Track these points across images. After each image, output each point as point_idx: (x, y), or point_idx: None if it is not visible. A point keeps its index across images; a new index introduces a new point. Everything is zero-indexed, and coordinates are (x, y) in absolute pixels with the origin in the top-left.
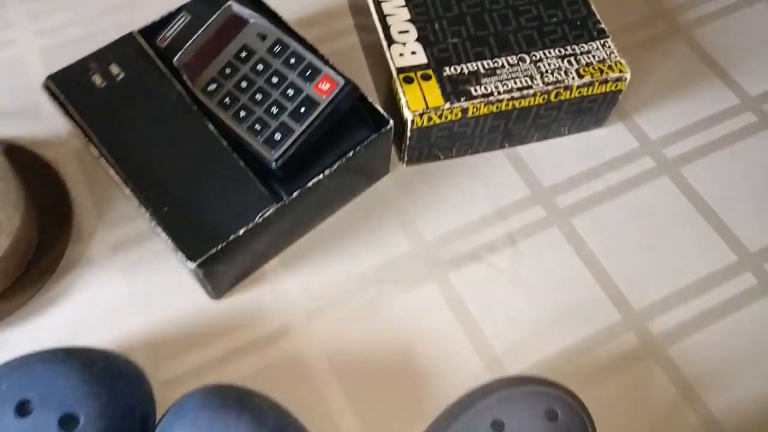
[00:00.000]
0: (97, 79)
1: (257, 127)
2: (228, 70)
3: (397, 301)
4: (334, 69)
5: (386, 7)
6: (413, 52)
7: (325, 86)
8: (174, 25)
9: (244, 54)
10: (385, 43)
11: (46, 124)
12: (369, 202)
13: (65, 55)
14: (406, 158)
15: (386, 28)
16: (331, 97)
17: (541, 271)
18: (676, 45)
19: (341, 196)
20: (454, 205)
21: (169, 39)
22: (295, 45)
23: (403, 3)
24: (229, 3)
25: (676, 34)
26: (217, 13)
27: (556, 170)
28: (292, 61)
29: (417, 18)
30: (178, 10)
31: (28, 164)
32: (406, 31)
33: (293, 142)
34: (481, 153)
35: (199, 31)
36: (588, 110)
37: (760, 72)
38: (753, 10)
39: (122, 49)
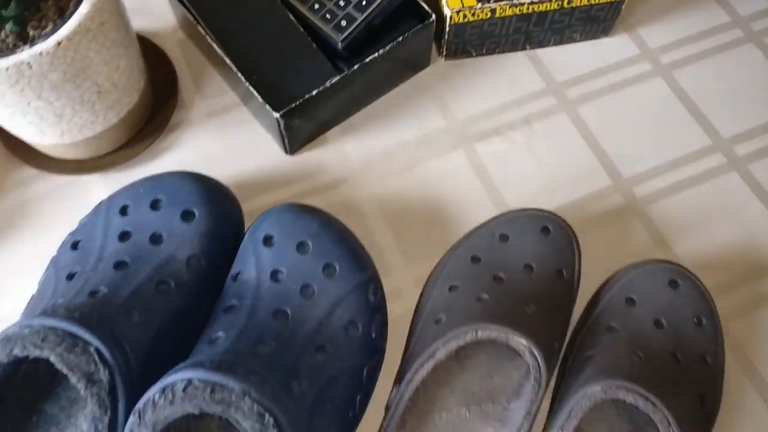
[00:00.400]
0: None
1: (328, 16)
2: None
3: (432, 163)
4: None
5: None
6: None
7: None
8: None
9: None
10: None
11: (157, 19)
12: (412, 87)
13: None
14: (444, 52)
15: None
16: None
17: (550, 145)
18: None
19: (390, 79)
20: (482, 92)
21: None
22: None
23: None
24: None
25: None
26: None
27: (568, 69)
28: None
29: None
30: None
31: (145, 48)
32: None
33: (356, 27)
34: (507, 53)
35: None
36: (596, 18)
37: None
38: None
39: None
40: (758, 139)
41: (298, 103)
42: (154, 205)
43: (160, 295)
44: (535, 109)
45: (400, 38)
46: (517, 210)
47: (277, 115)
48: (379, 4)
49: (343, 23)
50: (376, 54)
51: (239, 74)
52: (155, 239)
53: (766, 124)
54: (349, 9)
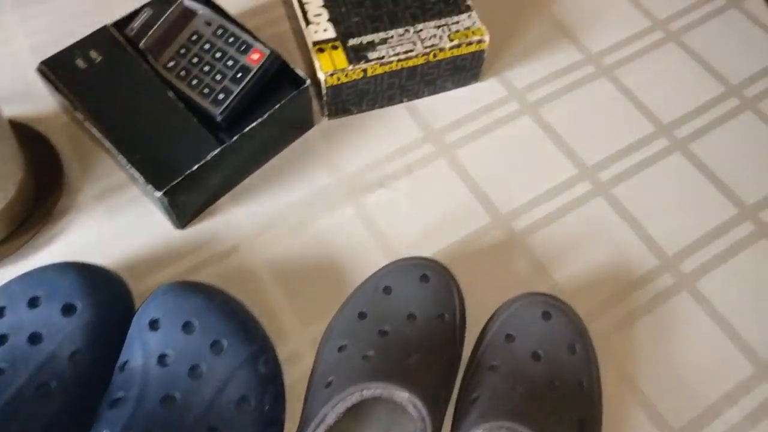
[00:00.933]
0: (81, 63)
1: (206, 91)
2: (183, 50)
3: (322, 220)
4: (262, 43)
5: None
6: (325, 30)
7: (255, 56)
8: (139, 18)
9: (194, 37)
10: (303, 24)
11: (38, 104)
12: (299, 148)
13: (52, 49)
14: (326, 112)
15: (304, 13)
16: (260, 65)
17: (431, 190)
18: (534, 12)
19: (275, 143)
20: (366, 147)
21: (135, 29)
22: (233, 28)
23: None
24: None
25: (534, 4)
26: (172, 8)
27: (444, 116)
28: (231, 40)
29: (328, 3)
30: (142, 7)
31: (26, 136)
32: (320, 14)
33: (233, 100)
34: (386, 107)
35: (159, 22)
36: (462, 67)
37: (601, 33)
38: None
39: (99, 38)
40: (618, 164)
41: (180, 179)
42: (33, 302)
43: (41, 399)
44: (416, 157)
45: (277, 105)
46: (398, 260)
47: (159, 193)
48: (252, 76)
49: (221, 96)
50: (255, 123)
51: (120, 156)
52: (34, 339)
53: (623, 149)
54: (226, 82)
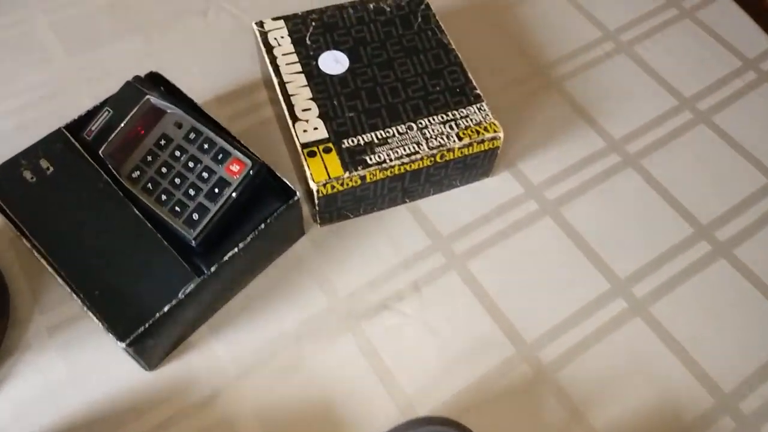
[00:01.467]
0: (28, 175)
1: (177, 208)
2: (149, 158)
3: (317, 355)
4: (243, 151)
5: (290, 88)
6: (315, 128)
7: (235, 167)
8: (98, 119)
9: (163, 142)
10: (290, 122)
11: None
12: (288, 263)
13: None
14: (318, 220)
15: (291, 107)
16: (241, 178)
17: (443, 313)
18: (551, 97)
19: (260, 261)
20: (365, 258)
21: (94, 132)
22: (207, 131)
23: (305, 83)
24: (147, 96)
25: (550, 87)
26: (137, 107)
27: (453, 219)
28: (206, 146)
29: (318, 96)
30: (102, 105)
31: None
32: (309, 109)
33: (210, 220)
34: (386, 209)
35: (122, 124)
36: (473, 165)
37: (621, 117)
38: (613, 62)
39: (51, 144)
40: (654, 276)
41: (146, 326)
42: None
43: None
44: (423, 271)
45: (262, 225)
46: (415, 424)
47: (123, 344)
48: (232, 191)
49: (195, 216)
50: (236, 249)
51: (75, 295)
52: None
53: (658, 258)
54: (201, 198)
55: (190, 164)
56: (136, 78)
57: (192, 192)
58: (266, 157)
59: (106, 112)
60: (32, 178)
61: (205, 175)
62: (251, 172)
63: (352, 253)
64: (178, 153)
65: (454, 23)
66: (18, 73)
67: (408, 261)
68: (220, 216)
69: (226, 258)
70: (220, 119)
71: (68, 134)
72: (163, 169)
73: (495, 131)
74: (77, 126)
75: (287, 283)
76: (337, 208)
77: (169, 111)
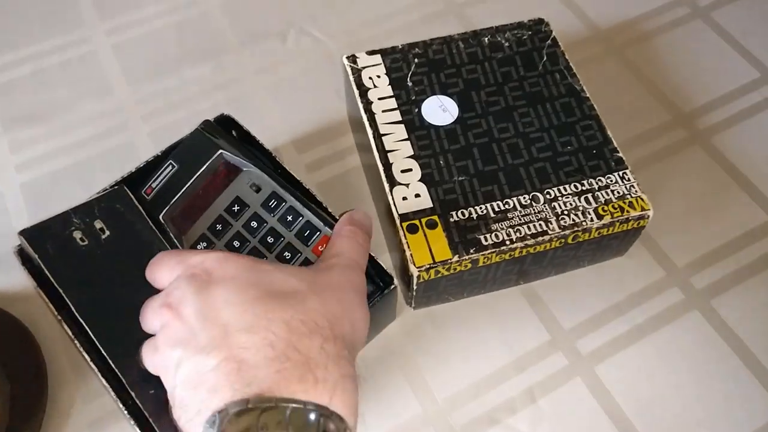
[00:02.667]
0: (78, 235)
1: None
2: (219, 226)
3: None
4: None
5: (387, 142)
6: (417, 195)
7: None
8: (161, 173)
9: (236, 208)
10: (387, 186)
11: (20, 272)
12: (375, 353)
13: (44, 207)
14: (413, 304)
15: (388, 167)
16: None
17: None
18: (696, 154)
19: None
20: (467, 354)
21: (155, 189)
22: (291, 199)
23: (405, 135)
24: (220, 151)
25: (695, 142)
26: (207, 163)
27: (577, 308)
28: (289, 218)
29: (420, 153)
30: (165, 155)
31: (4, 331)
32: (410, 170)
33: None
34: (495, 291)
35: (189, 182)
36: (608, 246)
37: None
38: None
39: (111, 202)
40: None
41: None
42: None
43: None
44: (539, 374)
45: None
46: None
47: None
48: None
49: None
50: None
51: (117, 400)
52: None
53: None
54: None
55: (269, 239)
56: (206, 123)
57: None
58: None
59: (170, 166)
60: (83, 240)
61: (287, 254)
62: None
63: (451, 344)
64: (254, 223)
65: (573, 59)
66: (74, 103)
67: (522, 361)
68: None
69: None
70: (297, 168)
71: (130, 192)
72: (236, 243)
73: (644, 209)
74: (138, 179)
75: (373, 382)
76: (438, 292)
77: (245, 169)
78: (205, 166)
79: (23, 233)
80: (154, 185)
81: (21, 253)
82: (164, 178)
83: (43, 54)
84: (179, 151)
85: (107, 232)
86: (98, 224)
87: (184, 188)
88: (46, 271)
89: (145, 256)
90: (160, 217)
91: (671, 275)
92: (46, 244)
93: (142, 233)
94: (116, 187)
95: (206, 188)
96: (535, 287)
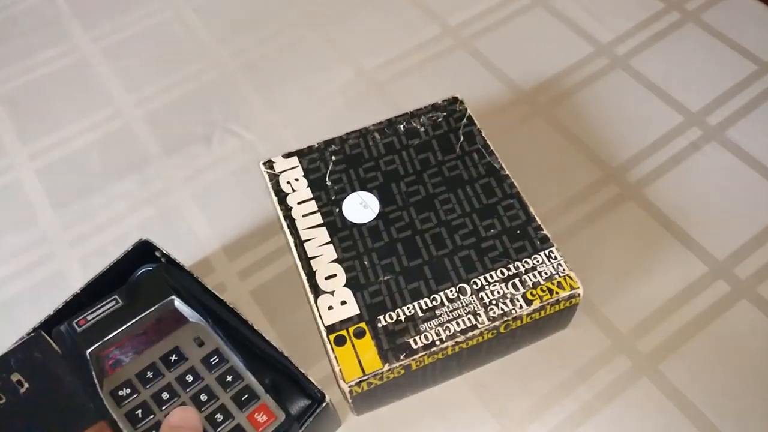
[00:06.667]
0: None
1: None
2: (149, 374)
3: None
4: (273, 397)
5: (309, 248)
6: (343, 302)
7: (261, 418)
8: (100, 307)
9: (173, 358)
10: (311, 296)
11: None
12: None
13: None
14: (355, 412)
15: (311, 275)
16: None
17: None
18: (630, 210)
19: None
20: None
21: (89, 322)
22: (235, 360)
23: (328, 239)
24: (172, 297)
25: (629, 197)
26: (155, 306)
27: (524, 391)
28: (229, 378)
29: (344, 256)
30: (110, 294)
31: None
32: (334, 275)
33: None
34: (438, 385)
35: (129, 322)
36: (545, 326)
37: (724, 229)
38: (702, 155)
39: (28, 352)
40: None
41: None
42: None
43: None
44: None
45: None
46: None
47: None
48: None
49: None
50: None
51: None
52: None
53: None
54: None
55: (202, 397)
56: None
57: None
58: (287, 326)
59: (114, 302)
60: (0, 397)
61: (218, 417)
62: (281, 429)
63: None
64: (189, 377)
65: (499, 123)
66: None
67: None
68: None
69: None
70: (229, 277)
71: (48, 338)
72: (164, 395)
73: (572, 287)
74: (59, 317)
75: None
76: (377, 399)
77: (191, 320)
78: (151, 309)
79: None
80: (89, 318)
81: None
82: (103, 312)
83: None
84: (127, 288)
85: (25, 385)
86: (15, 377)
87: (122, 327)
88: None
89: (67, 406)
90: (87, 353)
91: (617, 343)
92: None
93: (64, 381)
94: (33, 334)
95: (146, 332)
96: (479, 374)
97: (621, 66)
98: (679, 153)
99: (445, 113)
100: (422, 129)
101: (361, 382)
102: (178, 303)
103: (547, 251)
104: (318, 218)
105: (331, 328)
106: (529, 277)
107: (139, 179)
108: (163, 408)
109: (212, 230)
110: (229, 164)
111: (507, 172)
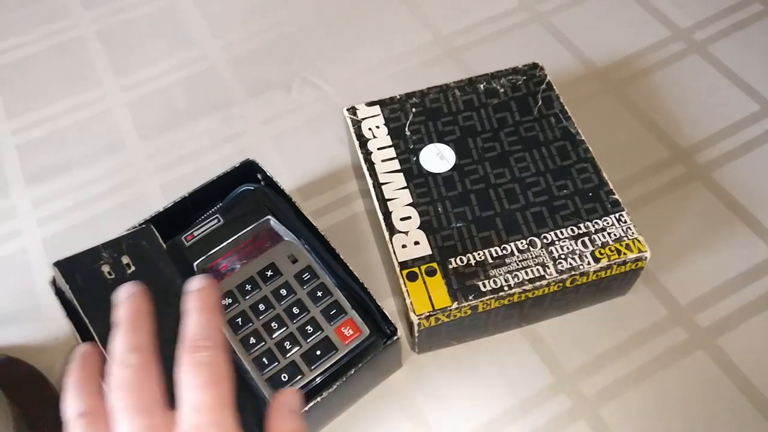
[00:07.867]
0: (106, 269)
1: (264, 360)
2: (248, 286)
3: None
4: (370, 307)
5: (387, 191)
6: (416, 242)
7: (348, 331)
8: (204, 224)
9: (269, 273)
10: (387, 234)
11: (44, 325)
12: (379, 399)
13: (68, 245)
14: (417, 349)
15: (388, 215)
16: (352, 346)
17: None
18: (696, 190)
19: (345, 401)
20: (471, 397)
21: (196, 238)
22: (325, 277)
23: (404, 184)
24: (268, 217)
25: (695, 178)
26: (252, 225)
27: (580, 349)
28: (319, 293)
29: (419, 201)
30: (212, 213)
31: (21, 378)
32: (409, 218)
33: (300, 389)
34: (498, 334)
35: (230, 239)
36: (608, 287)
37: None
38: None
39: (137, 240)
40: None
41: None
42: None
43: None
44: (544, 417)
45: (353, 370)
46: None
47: None
48: (338, 362)
49: (284, 377)
50: (318, 399)
51: None
52: None
53: None
54: (296, 356)
55: (294, 310)
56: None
57: (287, 344)
58: (356, 265)
59: (216, 220)
60: (110, 273)
61: (309, 328)
62: (366, 342)
63: (455, 388)
64: (283, 291)
65: (570, 97)
66: (90, 159)
67: (525, 404)
68: (314, 386)
69: (306, 408)
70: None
71: (156, 233)
72: (261, 306)
73: (640, 250)
74: (163, 223)
75: (377, 427)
76: (440, 337)
77: (286, 239)
78: (249, 228)
79: (57, 264)
80: (195, 233)
81: (54, 283)
82: (207, 229)
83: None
84: (227, 207)
85: (133, 268)
86: (125, 259)
87: (224, 243)
88: (75, 302)
89: (166, 293)
90: (195, 264)
91: (674, 314)
92: (76, 275)
93: (165, 271)
94: (144, 225)
95: (245, 248)
96: (537, 329)
97: (698, 51)
98: (753, 140)
99: (525, 77)
100: (501, 90)
101: (429, 316)
102: (273, 222)
103: (617, 214)
104: (396, 164)
105: (404, 264)
106: (598, 236)
107: (222, 118)
108: (260, 317)
109: (288, 171)
110: (306, 112)
111: (583, 137)
